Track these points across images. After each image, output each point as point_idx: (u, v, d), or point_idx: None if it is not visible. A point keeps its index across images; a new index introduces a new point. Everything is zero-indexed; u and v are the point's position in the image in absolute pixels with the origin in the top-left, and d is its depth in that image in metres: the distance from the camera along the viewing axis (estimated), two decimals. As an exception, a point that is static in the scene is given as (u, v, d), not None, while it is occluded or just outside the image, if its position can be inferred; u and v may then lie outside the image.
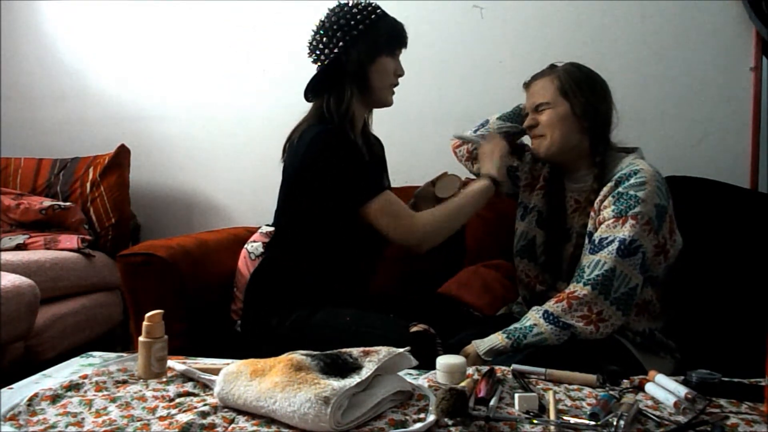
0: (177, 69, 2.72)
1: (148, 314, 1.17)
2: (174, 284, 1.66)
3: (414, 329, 1.38)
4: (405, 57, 1.61)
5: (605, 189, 1.45)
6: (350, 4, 1.56)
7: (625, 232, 1.37)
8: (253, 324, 1.57)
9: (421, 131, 2.37)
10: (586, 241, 1.46)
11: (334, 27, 1.53)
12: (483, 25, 2.38)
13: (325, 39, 1.54)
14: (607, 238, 1.39)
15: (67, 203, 2.54)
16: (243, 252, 1.86)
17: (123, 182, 2.62)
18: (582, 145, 1.52)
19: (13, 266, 2.09)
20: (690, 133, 2.22)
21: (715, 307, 1.64)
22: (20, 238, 2.39)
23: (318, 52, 1.56)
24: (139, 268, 1.67)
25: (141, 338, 1.17)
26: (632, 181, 1.41)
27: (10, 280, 1.92)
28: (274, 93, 2.60)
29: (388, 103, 1.62)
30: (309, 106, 1.59)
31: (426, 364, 1.16)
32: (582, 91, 1.51)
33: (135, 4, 2.74)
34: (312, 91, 1.59)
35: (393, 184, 1.77)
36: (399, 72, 1.60)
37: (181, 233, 2.15)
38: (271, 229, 1.97)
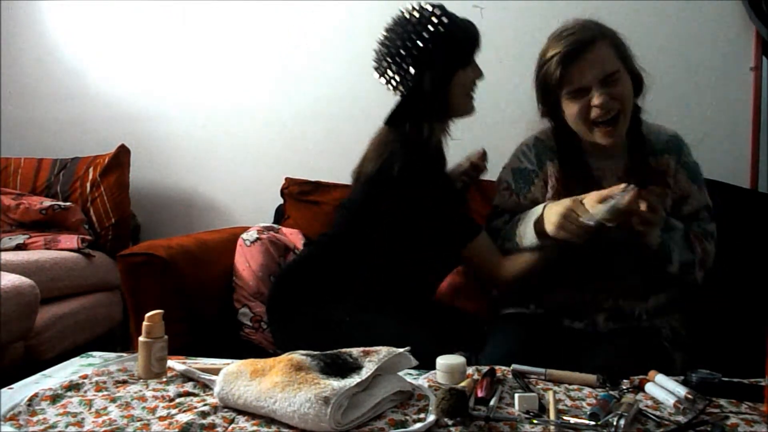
0: (177, 69, 2.72)
1: (148, 314, 1.17)
2: (174, 284, 1.66)
3: None
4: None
5: (666, 156, 1.43)
6: (413, 21, 1.42)
7: (706, 198, 1.47)
8: (279, 314, 1.54)
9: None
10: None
11: (402, 52, 1.40)
12: (483, 25, 2.37)
13: (394, 66, 1.42)
14: (697, 207, 1.46)
15: (67, 203, 2.54)
16: (239, 241, 1.86)
17: (123, 182, 2.61)
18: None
19: (13, 266, 2.08)
20: (690, 133, 2.20)
21: (715, 306, 1.63)
22: (20, 238, 2.39)
23: (391, 80, 1.44)
24: (139, 268, 1.67)
25: (141, 338, 1.17)
26: (684, 149, 1.45)
27: (10, 280, 1.91)
28: (275, 93, 2.59)
29: (468, 112, 1.52)
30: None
31: (426, 365, 1.16)
32: (631, 53, 1.35)
33: (135, 5, 2.73)
34: (393, 117, 1.48)
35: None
36: (478, 76, 1.51)
37: (181, 233, 2.15)
38: (267, 225, 1.97)
